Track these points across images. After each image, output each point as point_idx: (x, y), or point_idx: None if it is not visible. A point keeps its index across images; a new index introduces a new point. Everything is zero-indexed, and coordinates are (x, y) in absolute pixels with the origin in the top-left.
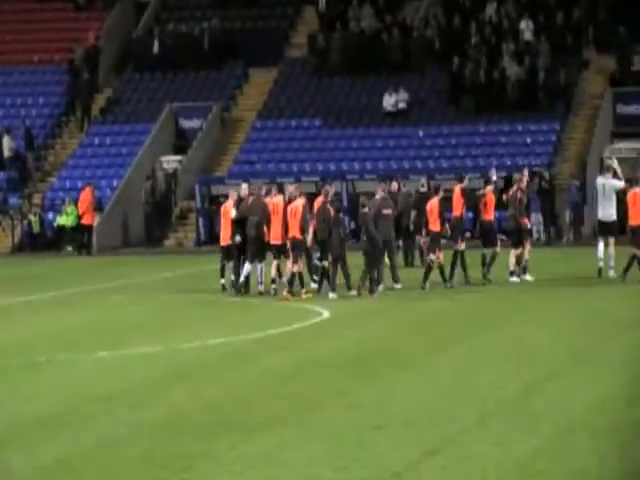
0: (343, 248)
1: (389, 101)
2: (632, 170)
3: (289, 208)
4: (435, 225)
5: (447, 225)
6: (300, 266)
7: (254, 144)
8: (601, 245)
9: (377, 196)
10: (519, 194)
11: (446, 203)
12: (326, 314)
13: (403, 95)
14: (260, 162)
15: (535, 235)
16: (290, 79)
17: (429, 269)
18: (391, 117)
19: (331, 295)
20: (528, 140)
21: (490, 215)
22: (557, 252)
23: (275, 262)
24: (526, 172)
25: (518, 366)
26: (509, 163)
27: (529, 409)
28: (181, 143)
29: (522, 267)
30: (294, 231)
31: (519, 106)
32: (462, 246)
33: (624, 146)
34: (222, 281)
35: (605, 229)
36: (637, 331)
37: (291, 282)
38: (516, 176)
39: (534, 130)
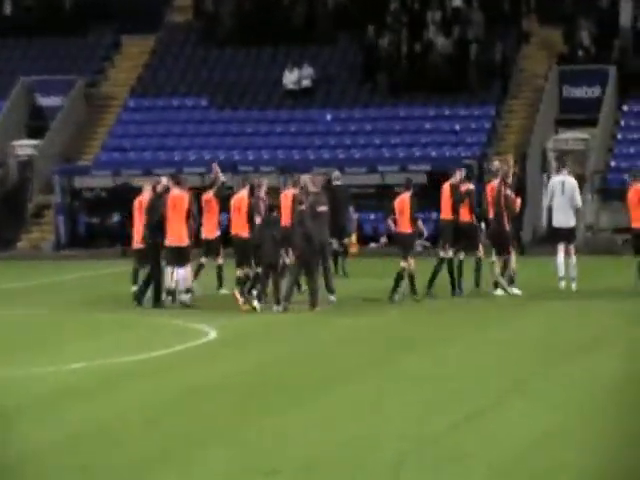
0: (277, 253)
1: (290, 77)
2: (579, 165)
3: (232, 200)
4: (406, 226)
5: (420, 223)
6: (246, 270)
7: (126, 127)
8: (561, 254)
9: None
10: (503, 190)
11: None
12: (213, 334)
13: (307, 70)
14: (134, 150)
15: None
16: (171, 49)
17: (400, 278)
18: (293, 97)
19: (275, 308)
20: (457, 127)
21: (470, 216)
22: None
23: (172, 270)
24: (511, 160)
25: (446, 396)
26: (434, 155)
27: (457, 448)
28: (37, 124)
29: (508, 278)
30: (237, 228)
31: (446, 86)
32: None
33: (571, 136)
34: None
35: (563, 236)
36: (592, 355)
37: (242, 288)
38: (496, 165)
39: (464, 115)
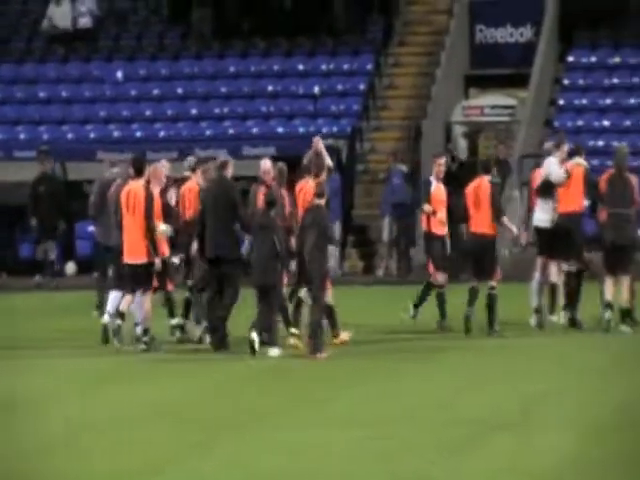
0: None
1: (60, 14)
2: (504, 145)
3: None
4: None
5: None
6: None
7: None
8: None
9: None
10: None
11: None
12: None
13: (87, 3)
14: None
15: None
16: None
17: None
18: (64, 44)
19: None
20: (315, 89)
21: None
22: (366, 293)
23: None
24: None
25: None
26: (280, 131)
27: None
28: None
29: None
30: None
31: (299, 27)
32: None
33: (489, 102)
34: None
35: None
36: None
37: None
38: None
39: (326, 71)
